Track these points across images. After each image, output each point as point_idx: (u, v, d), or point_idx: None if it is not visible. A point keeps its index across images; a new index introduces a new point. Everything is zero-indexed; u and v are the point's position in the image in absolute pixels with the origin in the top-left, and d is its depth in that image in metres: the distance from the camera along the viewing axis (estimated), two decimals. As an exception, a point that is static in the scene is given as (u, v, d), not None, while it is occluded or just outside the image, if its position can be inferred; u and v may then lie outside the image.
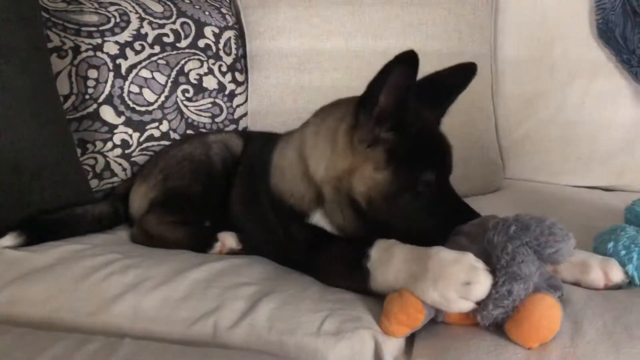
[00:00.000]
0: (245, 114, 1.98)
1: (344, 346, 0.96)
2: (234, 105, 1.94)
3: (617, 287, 1.10)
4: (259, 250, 1.37)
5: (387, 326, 0.98)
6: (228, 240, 1.39)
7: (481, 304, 0.94)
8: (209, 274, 1.18)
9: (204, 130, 1.87)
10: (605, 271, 1.11)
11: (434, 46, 1.96)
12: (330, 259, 1.16)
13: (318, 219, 1.22)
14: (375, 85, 1.06)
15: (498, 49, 2.12)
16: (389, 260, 1.03)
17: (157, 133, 1.80)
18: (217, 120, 1.91)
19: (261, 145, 1.53)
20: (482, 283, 0.93)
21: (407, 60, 1.00)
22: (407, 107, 1.10)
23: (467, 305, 0.93)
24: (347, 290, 1.12)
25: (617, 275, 1.10)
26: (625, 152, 1.98)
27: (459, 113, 1.91)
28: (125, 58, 1.78)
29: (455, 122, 1.89)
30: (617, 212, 1.35)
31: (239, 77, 1.97)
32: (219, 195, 1.49)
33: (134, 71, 1.79)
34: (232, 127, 1.94)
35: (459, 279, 0.94)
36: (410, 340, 1.01)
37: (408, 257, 1.02)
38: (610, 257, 1.13)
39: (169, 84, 1.83)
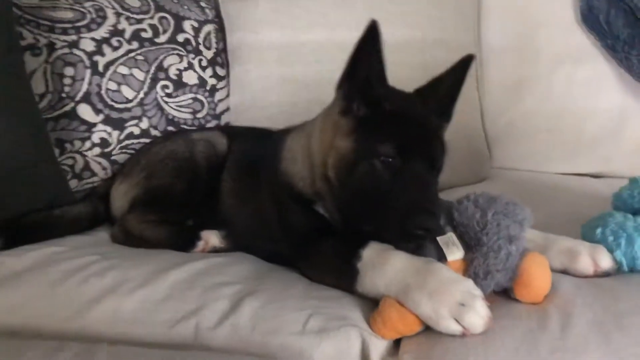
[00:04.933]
0: (227, 109, 1.94)
1: (329, 345, 0.94)
2: (216, 100, 1.90)
3: (606, 273, 1.09)
4: (246, 247, 1.36)
5: (380, 329, 0.97)
6: (211, 238, 1.37)
7: (480, 273, 0.98)
8: (190, 274, 1.15)
9: (185, 127, 1.83)
10: (594, 258, 1.10)
11: (418, 36, 1.94)
12: (322, 253, 1.15)
13: (321, 207, 1.21)
14: (350, 59, 1.12)
15: (482, 36, 2.10)
16: (382, 266, 1.01)
17: (137, 131, 1.76)
18: (198, 115, 1.87)
19: (252, 139, 1.53)
20: (478, 311, 0.91)
21: (370, 30, 1.07)
22: (383, 83, 1.13)
23: (455, 328, 0.91)
24: (334, 288, 1.10)
25: (605, 261, 1.09)
26: (611, 138, 1.98)
27: None
28: (103, 55, 1.73)
29: None
30: (605, 199, 1.34)
31: (220, 72, 1.93)
32: (202, 193, 1.46)
33: (112, 68, 1.74)
34: (214, 122, 1.89)
35: (455, 298, 0.92)
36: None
37: (405, 267, 0.99)
38: (599, 244, 1.12)
39: (148, 80, 1.79)
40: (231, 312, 1.02)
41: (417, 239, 1.03)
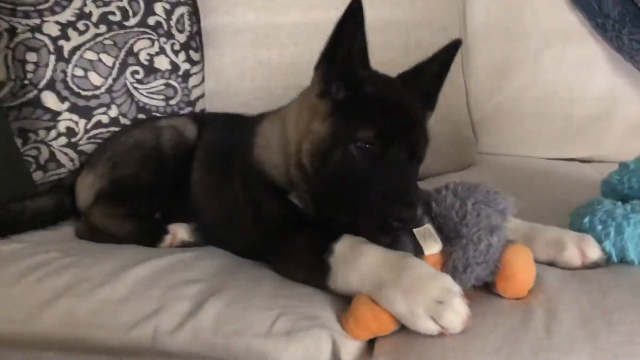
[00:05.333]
0: (202, 95, 1.85)
1: (297, 347, 0.88)
2: (190, 86, 1.82)
3: (595, 265, 1.03)
4: (217, 241, 1.30)
5: (353, 329, 0.90)
6: (179, 232, 1.30)
7: (459, 267, 0.92)
8: (153, 271, 1.08)
9: (157, 115, 1.75)
10: (581, 248, 1.04)
11: (400, 16, 1.85)
12: (293, 246, 1.08)
13: (295, 197, 1.15)
14: (330, 38, 1.06)
15: (467, 17, 2.02)
16: (355, 261, 0.94)
17: (105, 119, 1.68)
18: (171, 102, 1.79)
19: (224, 126, 1.45)
20: (456, 309, 0.84)
21: (353, 7, 1.00)
22: (365, 65, 1.07)
23: (432, 327, 0.85)
24: (305, 284, 1.03)
25: (593, 252, 1.04)
26: (602, 122, 1.92)
27: None
28: (68, 39, 1.65)
29: None
30: (596, 185, 1.28)
31: (194, 56, 1.84)
32: (170, 184, 1.39)
33: (78, 53, 1.66)
34: (188, 109, 1.81)
35: (431, 295, 0.85)
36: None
37: (379, 261, 0.93)
38: (586, 233, 1.06)
39: (117, 65, 1.71)
40: (193, 313, 0.95)
41: (393, 230, 0.96)
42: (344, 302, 0.95)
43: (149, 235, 1.29)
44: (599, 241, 1.04)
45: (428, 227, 0.97)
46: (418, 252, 0.96)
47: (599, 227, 1.05)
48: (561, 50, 1.93)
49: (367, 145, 1.02)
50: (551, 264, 1.05)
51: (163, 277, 1.06)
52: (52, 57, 1.63)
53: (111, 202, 1.37)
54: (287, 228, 1.10)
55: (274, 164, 1.17)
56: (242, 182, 1.24)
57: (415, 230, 0.97)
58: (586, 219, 1.08)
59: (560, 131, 1.94)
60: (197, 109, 1.83)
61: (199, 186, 1.37)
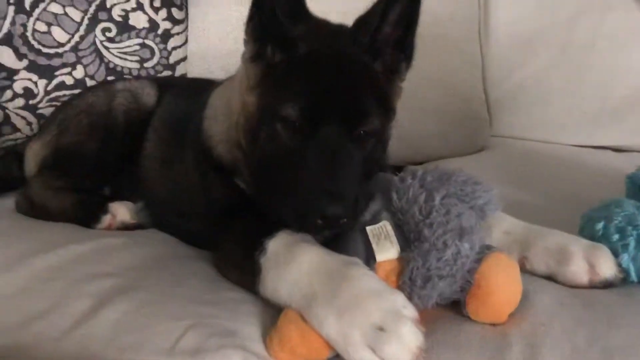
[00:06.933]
0: (184, 59, 1.68)
1: (199, 372, 0.69)
2: (169, 48, 1.65)
3: (606, 284, 0.82)
4: (162, 223, 1.14)
5: (277, 352, 0.72)
6: (120, 211, 1.14)
7: (418, 279, 0.72)
8: (64, 259, 0.93)
9: (129, 78, 1.57)
10: (591, 262, 0.84)
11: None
12: (230, 238, 0.90)
13: (241, 179, 0.97)
14: None
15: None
16: (286, 265, 0.76)
17: (69, 80, 1.53)
18: (146, 65, 1.62)
19: (184, 92, 1.28)
20: (402, 339, 0.65)
21: None
22: (303, 15, 0.88)
23: (369, 358, 0.65)
24: (239, 286, 0.85)
25: (606, 267, 0.83)
26: (642, 104, 1.68)
27: (435, 57, 1.63)
28: (31, -11, 1.52)
29: (429, 67, 1.61)
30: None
31: (177, 14, 1.67)
32: (120, 155, 1.22)
33: (41, 5, 1.52)
34: (166, 73, 1.65)
35: (372, 318, 0.66)
36: None
37: (314, 268, 0.74)
38: (599, 243, 0.86)
39: (86, 20, 1.56)
40: (90, 316, 0.78)
41: (316, 229, 0.78)
42: (278, 314, 0.76)
43: (86, 214, 1.13)
44: (615, 254, 0.84)
45: (384, 224, 0.77)
46: (370, 256, 0.75)
47: (616, 236, 0.86)
48: (599, 19, 1.70)
49: (296, 123, 0.82)
50: (550, 277, 0.85)
51: (72, 267, 0.90)
52: (11, 9, 1.49)
53: (52, 173, 1.22)
54: (231, 216, 0.92)
55: (219, 138, 1.00)
56: (193, 158, 1.07)
57: (368, 229, 0.77)
58: (600, 225, 0.88)
59: (593, 114, 1.71)
60: (177, 73, 1.66)
61: (150, 159, 1.19)
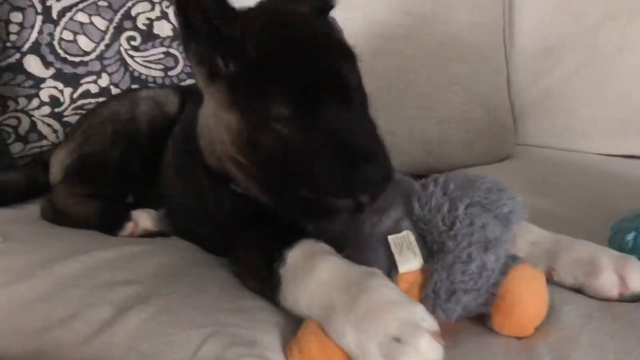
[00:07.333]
0: (208, 67, 1.68)
1: (217, 382, 0.68)
2: (193, 56, 1.65)
3: (637, 297, 0.78)
4: (185, 231, 1.13)
5: None
6: (142, 219, 1.14)
7: (442, 293, 0.70)
8: (85, 266, 0.92)
9: (153, 86, 1.59)
10: (621, 274, 0.80)
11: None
12: (248, 246, 0.89)
13: (238, 187, 0.94)
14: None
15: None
16: (305, 275, 0.74)
17: (94, 88, 1.54)
18: (170, 73, 1.63)
19: (201, 100, 1.25)
20: (420, 351, 0.62)
21: None
22: (231, 16, 0.83)
23: None
24: (259, 295, 0.84)
25: (637, 281, 0.79)
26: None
27: (459, 63, 1.61)
28: (58, -1, 1.53)
29: (454, 74, 1.59)
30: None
31: (201, 23, 1.67)
32: (142, 163, 1.22)
33: (68, 15, 1.54)
34: (190, 81, 1.64)
35: (389, 329, 0.64)
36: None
37: (333, 279, 0.72)
38: (630, 255, 0.82)
39: (111, 29, 1.57)
40: (112, 323, 0.78)
41: (362, 193, 0.76)
42: (298, 323, 0.75)
43: (109, 221, 1.14)
44: (646, 266, 0.79)
45: (407, 234, 0.75)
46: (391, 267, 0.74)
47: (648, 248, 0.81)
48: (626, 24, 1.64)
49: (294, 115, 0.79)
50: (579, 290, 0.82)
51: (94, 274, 0.89)
52: (39, 18, 1.51)
53: (76, 180, 1.23)
54: (247, 224, 0.90)
55: (208, 151, 0.97)
56: (202, 168, 1.06)
57: (390, 238, 0.75)
58: (630, 236, 0.84)
59: (621, 122, 1.66)
60: (201, 81, 1.67)
61: (169, 167, 1.19)
